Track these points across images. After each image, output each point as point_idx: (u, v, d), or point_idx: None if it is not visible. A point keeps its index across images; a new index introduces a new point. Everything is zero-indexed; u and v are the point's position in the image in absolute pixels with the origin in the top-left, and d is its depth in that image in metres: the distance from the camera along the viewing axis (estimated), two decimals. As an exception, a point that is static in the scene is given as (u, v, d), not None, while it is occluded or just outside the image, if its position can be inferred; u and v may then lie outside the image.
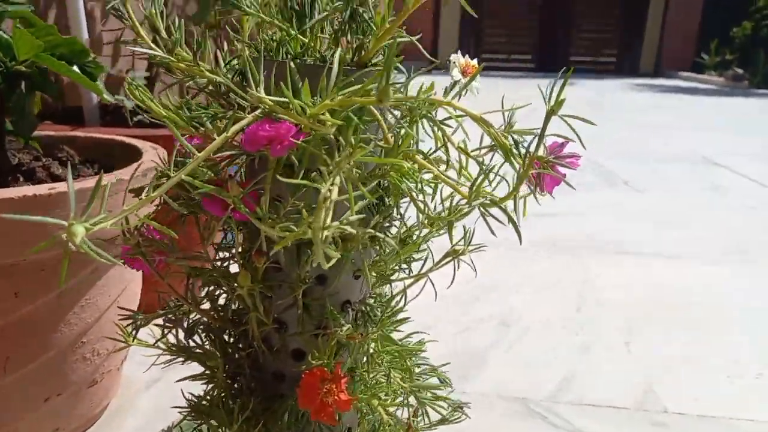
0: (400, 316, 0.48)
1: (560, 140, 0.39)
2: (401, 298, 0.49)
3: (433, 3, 8.19)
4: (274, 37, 0.41)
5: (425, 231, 0.45)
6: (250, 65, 0.33)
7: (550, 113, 0.37)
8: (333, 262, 0.30)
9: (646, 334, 0.97)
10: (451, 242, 0.45)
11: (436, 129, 0.42)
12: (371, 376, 0.45)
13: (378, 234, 0.39)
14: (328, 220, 0.30)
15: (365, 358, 0.45)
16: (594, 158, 2.44)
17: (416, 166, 0.39)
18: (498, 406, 0.76)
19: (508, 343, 0.92)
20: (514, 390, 0.80)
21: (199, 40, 0.42)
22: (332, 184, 0.31)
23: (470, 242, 0.48)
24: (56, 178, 0.66)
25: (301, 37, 0.41)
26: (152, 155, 0.67)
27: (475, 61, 0.47)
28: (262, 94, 0.33)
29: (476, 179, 0.38)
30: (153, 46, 0.41)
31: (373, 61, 0.41)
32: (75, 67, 0.60)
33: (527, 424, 0.73)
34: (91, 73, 0.60)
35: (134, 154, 0.70)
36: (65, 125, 0.87)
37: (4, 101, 0.60)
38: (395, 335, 0.49)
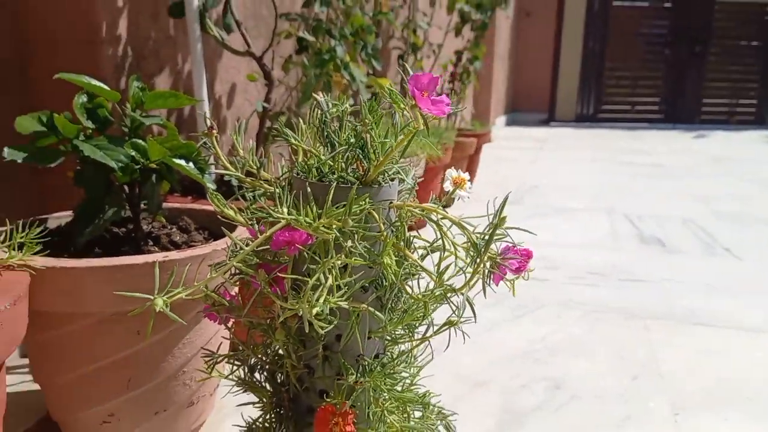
0: (412, 370, 0.62)
1: (511, 244, 0.51)
2: (407, 356, 0.62)
3: (552, 56, 8.23)
4: (310, 161, 0.58)
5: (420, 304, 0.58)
6: (280, 190, 0.50)
7: (494, 228, 0.49)
8: (330, 328, 0.44)
9: (698, 410, 0.99)
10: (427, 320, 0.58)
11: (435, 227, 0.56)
12: (370, 412, 0.57)
13: (368, 308, 0.53)
14: (319, 300, 0.45)
15: (367, 400, 0.58)
16: (698, 221, 2.37)
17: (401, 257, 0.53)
18: (527, 460, 0.84)
19: (555, 406, 0.99)
20: (546, 447, 0.88)
21: (262, 160, 0.59)
22: (318, 277, 0.45)
23: (462, 315, 0.60)
24: (174, 243, 0.87)
25: (329, 162, 0.57)
26: (242, 231, 0.85)
27: (466, 175, 0.60)
28: (284, 212, 0.49)
29: (440, 271, 0.51)
30: (228, 166, 0.58)
31: (378, 179, 0.55)
32: (191, 164, 0.81)
33: (550, 478, 0.81)
34: (201, 168, 0.81)
35: (230, 227, 0.89)
36: (188, 197, 1.10)
37: (141, 189, 0.82)
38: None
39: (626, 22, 8.07)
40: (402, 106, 0.47)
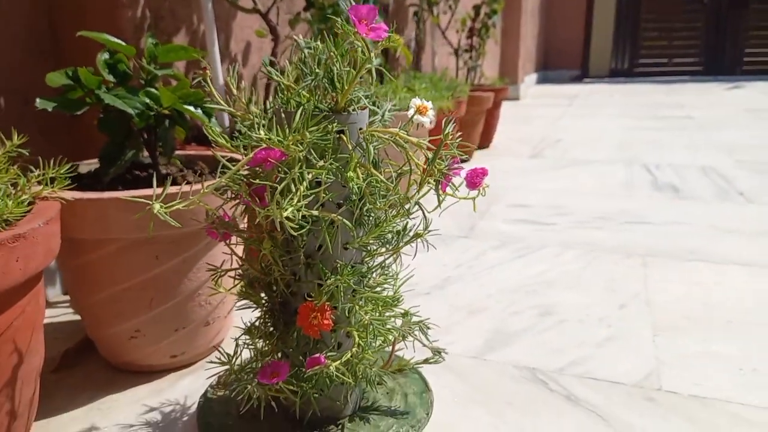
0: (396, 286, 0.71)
1: (458, 158, 0.58)
2: (383, 267, 0.71)
3: (585, 10, 8.01)
4: (289, 93, 0.66)
5: (387, 218, 0.66)
6: (257, 116, 0.58)
7: (441, 143, 0.56)
8: (303, 231, 0.53)
9: (678, 332, 1.05)
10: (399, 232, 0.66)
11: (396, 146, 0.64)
12: (345, 309, 0.67)
13: (338, 217, 0.61)
14: (288, 207, 0.54)
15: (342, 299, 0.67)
16: (719, 169, 2.37)
17: (365, 172, 0.61)
18: (510, 372, 0.93)
19: (541, 328, 1.07)
20: (529, 361, 0.96)
21: (250, 96, 0.68)
22: (288, 186, 0.54)
23: (428, 228, 0.68)
24: (189, 184, 0.97)
25: (304, 93, 0.65)
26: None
27: (429, 104, 0.67)
28: (261, 134, 0.57)
29: (396, 182, 0.59)
30: (221, 101, 0.67)
31: (347, 107, 0.63)
32: (198, 110, 0.90)
33: (527, 387, 0.89)
34: (207, 113, 0.90)
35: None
36: (205, 146, 1.20)
37: (156, 133, 0.92)
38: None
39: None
40: (350, 32, 0.54)
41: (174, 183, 0.97)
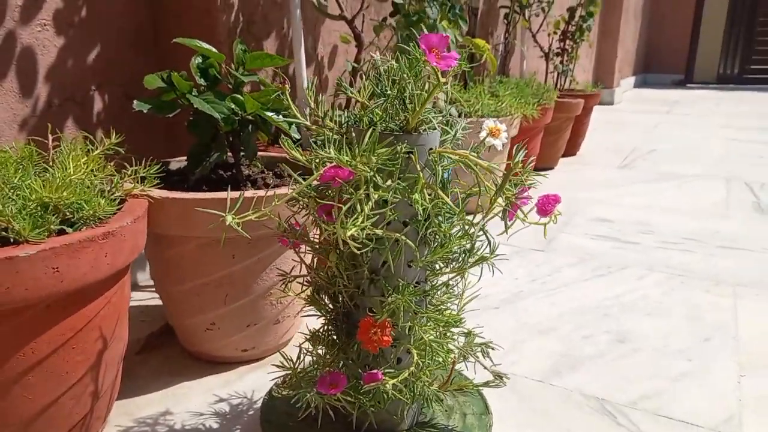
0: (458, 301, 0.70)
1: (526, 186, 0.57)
2: (447, 286, 0.70)
3: (693, 9, 7.51)
4: (363, 111, 0.67)
5: (452, 239, 0.66)
6: (327, 136, 0.59)
7: (510, 170, 0.55)
8: (367, 249, 0.54)
9: (766, 374, 0.98)
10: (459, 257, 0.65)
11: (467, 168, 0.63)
12: (406, 327, 0.67)
13: (401, 236, 0.62)
14: (351, 225, 0.55)
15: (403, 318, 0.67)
16: (832, 191, 2.16)
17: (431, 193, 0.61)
18: (576, 400, 0.90)
19: (614, 356, 1.03)
20: (597, 390, 0.92)
21: (326, 111, 0.70)
22: (354, 206, 0.55)
23: (495, 251, 0.67)
24: (267, 185, 1.00)
25: (377, 111, 0.65)
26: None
27: (503, 126, 0.66)
28: (330, 152, 0.59)
29: (462, 206, 0.59)
30: (297, 114, 0.69)
31: (417, 128, 0.63)
32: (280, 116, 0.93)
33: (592, 418, 0.86)
34: (288, 120, 0.93)
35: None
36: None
37: (240, 137, 0.96)
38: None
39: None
40: (421, 60, 0.54)
41: (254, 184, 1.01)
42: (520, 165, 0.56)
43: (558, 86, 2.81)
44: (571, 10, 2.72)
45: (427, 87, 0.61)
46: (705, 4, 7.49)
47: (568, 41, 2.72)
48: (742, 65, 7.53)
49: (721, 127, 3.86)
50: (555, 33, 2.78)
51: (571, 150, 2.76)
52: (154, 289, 1.25)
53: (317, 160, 0.65)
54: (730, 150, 3.01)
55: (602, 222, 1.80)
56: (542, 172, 2.49)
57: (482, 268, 0.69)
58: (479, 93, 1.82)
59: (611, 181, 2.35)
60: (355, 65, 1.27)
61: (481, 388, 0.77)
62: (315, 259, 0.74)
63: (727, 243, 1.61)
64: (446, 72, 0.55)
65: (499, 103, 1.78)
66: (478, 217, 0.63)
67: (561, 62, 2.73)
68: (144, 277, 1.30)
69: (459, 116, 1.74)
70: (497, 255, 0.67)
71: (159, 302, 1.18)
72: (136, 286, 1.27)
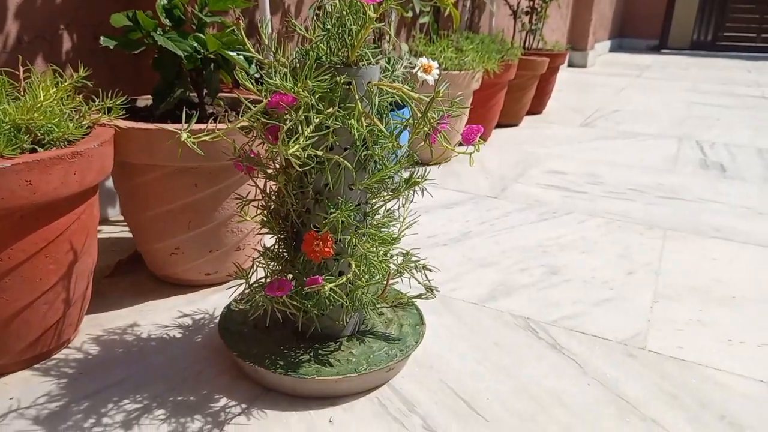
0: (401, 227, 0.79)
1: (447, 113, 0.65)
2: (382, 206, 0.79)
3: (671, -26, 7.55)
4: (309, 46, 0.74)
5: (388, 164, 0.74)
6: (274, 66, 0.67)
7: (432, 99, 0.63)
8: (308, 168, 0.62)
9: (677, 300, 1.09)
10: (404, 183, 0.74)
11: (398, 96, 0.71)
12: (345, 241, 0.76)
13: (339, 158, 0.70)
14: (294, 146, 0.63)
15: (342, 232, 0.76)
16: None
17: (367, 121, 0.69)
18: (505, 319, 1.01)
19: (545, 285, 1.13)
20: (525, 311, 1.03)
21: (277, 48, 0.77)
22: (287, 125, 0.63)
23: (425, 177, 0.76)
24: (230, 122, 1.07)
25: (322, 46, 0.73)
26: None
27: (436, 63, 0.73)
28: (276, 81, 0.66)
29: (393, 132, 0.67)
30: (252, 50, 0.76)
31: (356, 61, 0.71)
32: (241, 56, 1.00)
33: (517, 332, 0.97)
34: (248, 59, 0.99)
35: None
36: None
37: (203, 75, 1.03)
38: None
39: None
40: (351, 3, 0.61)
41: (216, 121, 1.08)
42: (441, 95, 0.64)
43: (526, 45, 2.88)
44: (541, -31, 2.76)
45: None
46: (683, -30, 7.53)
47: (537, 0, 2.77)
48: (716, 32, 7.63)
49: (686, 91, 3.97)
50: (524, -8, 2.82)
51: (536, 108, 2.84)
52: (124, 223, 1.33)
53: (266, 90, 0.73)
54: (690, 113, 3.13)
55: (556, 174, 1.90)
56: (506, 128, 2.58)
57: (422, 191, 0.77)
58: (444, 46, 1.89)
59: (571, 138, 2.45)
60: (317, 12, 1.32)
61: (414, 299, 0.87)
62: (268, 184, 0.82)
63: (667, 194, 1.73)
64: (376, 8, 0.62)
65: (463, 57, 1.85)
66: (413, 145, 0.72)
67: (530, 21, 2.78)
68: (114, 213, 1.36)
69: (421, 57, 1.80)
70: (427, 180, 0.76)
71: (128, 235, 1.25)
72: (106, 221, 1.34)
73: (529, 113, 2.82)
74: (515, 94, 2.48)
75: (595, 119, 2.86)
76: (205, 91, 1.06)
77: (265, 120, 0.69)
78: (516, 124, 2.64)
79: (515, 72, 2.26)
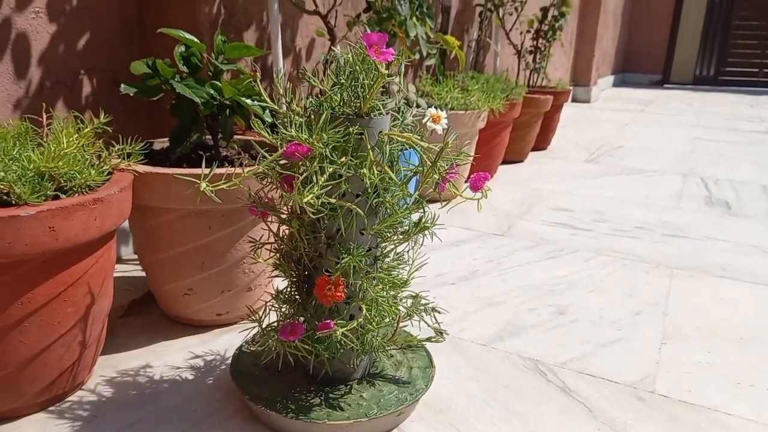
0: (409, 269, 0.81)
1: (456, 165, 0.68)
2: (395, 252, 0.81)
3: (672, 11, 7.69)
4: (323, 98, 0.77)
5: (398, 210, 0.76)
6: (291, 121, 0.70)
7: (441, 149, 0.66)
8: (321, 215, 0.64)
9: (686, 341, 1.10)
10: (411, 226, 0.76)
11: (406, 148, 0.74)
12: (357, 286, 0.77)
13: (352, 205, 0.72)
14: (308, 195, 0.65)
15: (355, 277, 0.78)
16: (778, 187, 2.31)
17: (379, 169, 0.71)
18: (514, 360, 1.01)
19: (553, 325, 1.14)
20: (533, 353, 1.04)
21: (291, 98, 0.80)
22: (309, 177, 0.65)
23: (435, 222, 0.78)
24: (242, 165, 1.10)
25: (335, 98, 0.76)
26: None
27: (443, 113, 0.76)
28: (291, 132, 0.69)
29: (403, 181, 0.69)
30: (267, 100, 0.79)
31: (368, 112, 0.74)
32: (255, 102, 1.03)
33: (526, 375, 0.97)
34: (262, 105, 1.03)
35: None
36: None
37: (218, 120, 1.06)
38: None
39: (762, -25, 7.34)
40: (363, 59, 0.65)
41: (231, 164, 1.11)
42: (450, 147, 0.66)
43: (530, 83, 2.93)
44: (545, 10, 2.83)
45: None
46: (683, 9, 7.67)
47: (541, 40, 2.84)
48: (718, 67, 7.73)
49: (689, 126, 4.01)
50: (528, 32, 2.89)
51: (541, 144, 2.88)
52: (137, 262, 1.35)
53: (282, 139, 0.76)
54: (694, 148, 3.16)
55: (562, 211, 1.92)
56: (511, 165, 2.61)
57: (427, 239, 0.79)
58: (450, 87, 1.93)
59: (576, 174, 2.48)
60: (328, 57, 1.36)
61: (424, 342, 0.88)
62: (281, 228, 0.84)
63: (672, 231, 1.74)
64: (389, 65, 0.65)
65: (468, 97, 1.89)
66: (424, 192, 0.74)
67: (533, 60, 2.84)
68: (127, 251, 1.39)
69: (430, 108, 1.84)
70: (436, 224, 0.78)
71: (142, 274, 1.27)
72: (120, 260, 1.36)
73: (534, 149, 2.86)
74: (520, 131, 2.52)
75: (600, 155, 2.89)
76: (220, 134, 1.09)
77: (280, 170, 0.71)
78: (521, 161, 2.67)
79: (520, 110, 2.31)
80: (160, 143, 1.20)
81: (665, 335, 1.12)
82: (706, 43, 7.71)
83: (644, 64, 7.97)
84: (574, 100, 5.37)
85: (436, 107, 0.77)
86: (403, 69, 0.79)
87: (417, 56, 1.70)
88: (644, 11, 7.78)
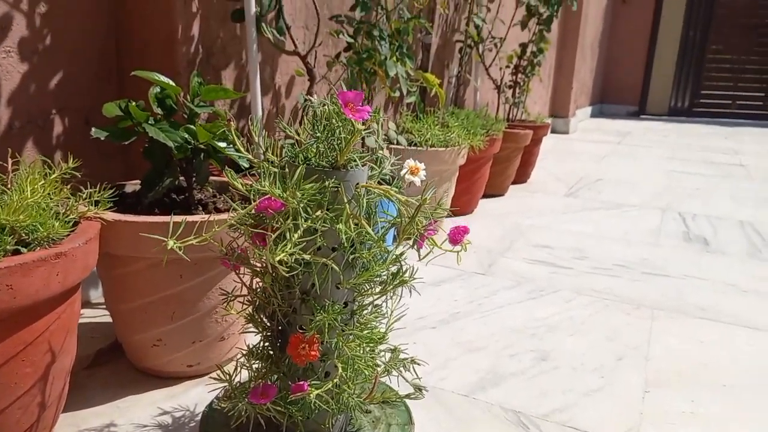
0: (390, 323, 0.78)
1: (433, 221, 0.66)
2: (372, 307, 0.79)
3: (647, 45, 7.90)
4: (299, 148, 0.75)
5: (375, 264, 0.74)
6: (265, 172, 0.67)
7: (419, 207, 0.64)
8: (296, 272, 0.61)
9: (670, 390, 1.08)
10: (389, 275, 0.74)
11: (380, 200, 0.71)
12: (332, 343, 0.74)
13: (326, 260, 0.69)
14: (280, 252, 0.62)
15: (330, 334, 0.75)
16: (758, 225, 2.34)
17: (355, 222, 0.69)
18: (496, 412, 0.98)
19: (535, 373, 1.12)
20: (515, 404, 1.01)
21: (266, 149, 0.78)
22: (283, 233, 0.63)
23: (413, 276, 0.76)
24: (218, 209, 1.07)
25: (311, 149, 0.74)
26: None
27: (422, 165, 0.74)
28: (265, 185, 0.66)
29: (380, 236, 0.67)
30: (242, 149, 0.77)
31: (345, 164, 0.72)
32: (231, 146, 1.01)
33: (509, 428, 0.94)
34: (238, 150, 1.00)
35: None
36: (239, 174, 1.31)
37: (193, 164, 1.03)
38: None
39: (732, 9, 7.59)
40: (339, 112, 0.63)
41: (205, 207, 1.08)
42: (428, 201, 0.65)
43: (510, 117, 2.96)
44: (523, 46, 2.88)
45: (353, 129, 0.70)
46: (657, 41, 7.89)
47: (520, 75, 2.87)
48: (692, 99, 7.92)
49: (666, 159, 4.07)
50: (508, 66, 2.92)
51: (521, 178, 2.89)
52: (104, 306, 1.30)
53: (255, 193, 0.73)
54: (671, 182, 3.20)
55: (542, 248, 1.91)
56: (491, 198, 2.61)
57: (405, 290, 0.77)
58: (430, 123, 1.93)
59: (555, 209, 2.48)
60: (307, 97, 1.35)
61: (403, 399, 0.85)
62: (254, 280, 0.81)
63: (652, 270, 1.74)
64: (366, 122, 0.64)
65: (449, 133, 1.89)
66: (401, 247, 0.72)
67: (513, 95, 2.87)
68: (96, 295, 1.34)
69: (410, 145, 1.84)
70: (416, 279, 0.75)
71: (110, 319, 1.22)
72: (88, 304, 1.31)
73: (514, 183, 2.87)
74: (500, 165, 2.53)
75: (579, 189, 2.91)
76: (194, 177, 1.07)
77: (252, 228, 0.69)
78: (501, 194, 2.68)
79: (500, 145, 2.31)
80: (133, 185, 1.16)
81: (648, 382, 1.10)
82: (680, 75, 7.90)
83: (621, 96, 8.14)
84: (552, 132, 5.44)
85: (413, 159, 0.75)
86: (381, 123, 0.78)
87: (397, 93, 1.70)
88: (620, 43, 7.98)
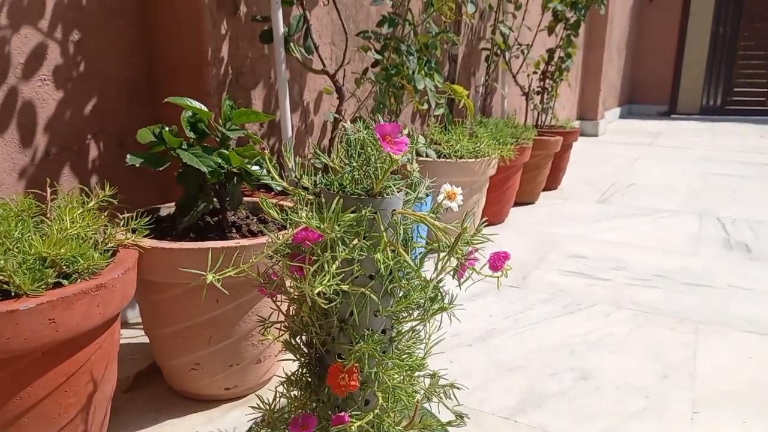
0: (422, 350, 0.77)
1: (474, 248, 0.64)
2: (412, 333, 0.77)
3: (676, 43, 7.74)
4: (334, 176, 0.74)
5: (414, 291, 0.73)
6: (300, 199, 0.67)
7: (458, 236, 0.62)
8: (335, 303, 0.61)
9: (719, 410, 1.04)
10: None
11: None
12: (372, 373, 0.73)
13: (364, 290, 0.68)
14: (318, 284, 0.62)
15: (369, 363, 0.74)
16: (798, 227, 2.25)
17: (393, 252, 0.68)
18: (535, 436, 0.96)
19: (576, 393, 1.09)
20: (558, 427, 0.98)
21: (296, 177, 0.77)
22: (321, 265, 0.62)
23: (453, 302, 0.74)
24: (251, 232, 1.07)
25: (346, 176, 0.73)
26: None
27: (459, 190, 0.73)
28: (302, 216, 0.66)
29: (419, 265, 0.66)
30: (276, 177, 0.77)
31: (380, 191, 0.71)
32: (263, 170, 1.01)
33: (552, 453, 0.92)
34: (272, 177, 1.00)
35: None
36: (272, 194, 1.31)
37: (226, 188, 1.03)
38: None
39: (762, 3, 7.39)
40: (376, 145, 0.62)
41: (239, 230, 1.08)
42: (469, 230, 0.63)
43: (538, 123, 2.92)
44: (551, 51, 2.84)
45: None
46: (687, 39, 7.72)
47: (548, 80, 2.83)
48: (725, 97, 7.73)
49: (700, 160, 3.97)
50: (535, 72, 2.89)
51: (552, 184, 2.85)
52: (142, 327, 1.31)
53: (291, 224, 0.73)
54: (707, 184, 3.11)
55: (577, 258, 1.88)
56: (522, 207, 2.57)
57: (450, 316, 0.75)
58: (459, 134, 1.91)
59: (589, 216, 2.43)
60: (336, 116, 1.35)
61: (445, 427, 0.83)
62: (291, 306, 0.81)
63: (693, 280, 1.69)
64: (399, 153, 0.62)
65: (478, 144, 1.87)
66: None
67: (541, 101, 2.83)
68: (134, 314, 1.35)
69: (439, 157, 1.82)
70: (455, 305, 0.74)
71: (147, 339, 1.23)
72: (126, 324, 1.32)
73: (545, 189, 2.82)
74: (530, 173, 2.50)
75: (612, 194, 2.85)
76: (227, 200, 1.07)
77: (289, 261, 0.68)
78: (532, 202, 2.64)
79: (530, 153, 2.28)
80: (167, 208, 1.17)
81: (696, 402, 1.06)
82: (711, 72, 7.73)
83: (650, 95, 7.99)
84: (581, 134, 5.36)
85: (449, 184, 0.74)
86: (414, 140, 0.76)
87: (425, 106, 1.69)
88: (648, 42, 7.84)
